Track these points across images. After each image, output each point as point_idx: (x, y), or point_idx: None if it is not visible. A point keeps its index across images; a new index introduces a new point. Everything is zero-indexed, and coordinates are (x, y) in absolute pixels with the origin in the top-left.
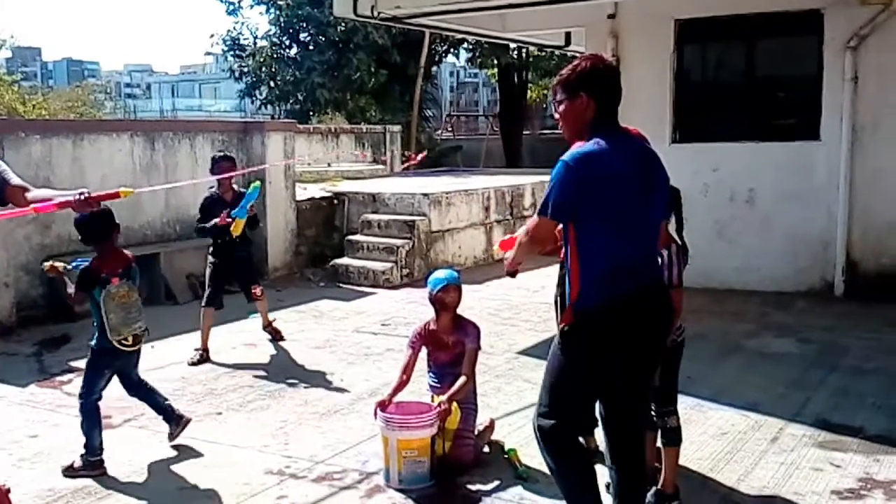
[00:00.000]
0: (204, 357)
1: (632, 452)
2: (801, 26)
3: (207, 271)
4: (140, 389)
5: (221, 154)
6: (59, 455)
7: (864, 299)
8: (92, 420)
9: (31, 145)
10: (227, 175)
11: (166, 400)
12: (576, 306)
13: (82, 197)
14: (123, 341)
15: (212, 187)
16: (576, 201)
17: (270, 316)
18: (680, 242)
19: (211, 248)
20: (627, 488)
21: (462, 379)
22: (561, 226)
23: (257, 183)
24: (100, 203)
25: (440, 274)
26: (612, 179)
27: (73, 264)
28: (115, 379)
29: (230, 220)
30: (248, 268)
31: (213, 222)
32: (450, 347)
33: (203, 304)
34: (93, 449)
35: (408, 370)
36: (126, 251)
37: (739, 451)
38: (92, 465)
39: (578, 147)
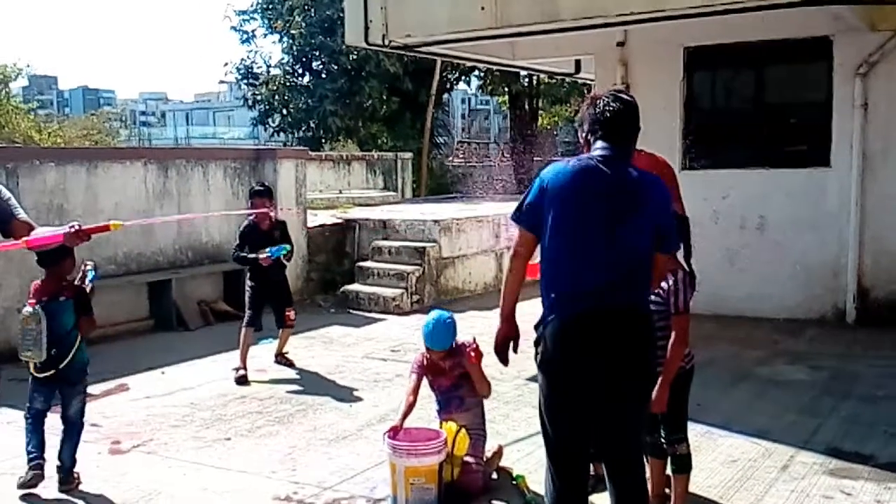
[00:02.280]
0: (244, 377)
1: (626, 480)
2: (810, 53)
3: (246, 295)
4: (66, 427)
5: (259, 188)
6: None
7: (875, 326)
8: (29, 429)
9: (46, 173)
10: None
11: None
12: (540, 324)
13: (72, 230)
14: (27, 363)
15: (251, 215)
16: (538, 208)
17: (285, 347)
18: (688, 269)
19: (248, 273)
20: None
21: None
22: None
23: (287, 247)
24: (90, 235)
25: (430, 322)
26: (573, 196)
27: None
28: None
29: (270, 259)
30: (283, 291)
31: (252, 256)
32: (448, 371)
33: (244, 324)
34: (27, 453)
35: (414, 392)
36: (76, 284)
37: (750, 479)
38: (30, 469)
39: (555, 162)
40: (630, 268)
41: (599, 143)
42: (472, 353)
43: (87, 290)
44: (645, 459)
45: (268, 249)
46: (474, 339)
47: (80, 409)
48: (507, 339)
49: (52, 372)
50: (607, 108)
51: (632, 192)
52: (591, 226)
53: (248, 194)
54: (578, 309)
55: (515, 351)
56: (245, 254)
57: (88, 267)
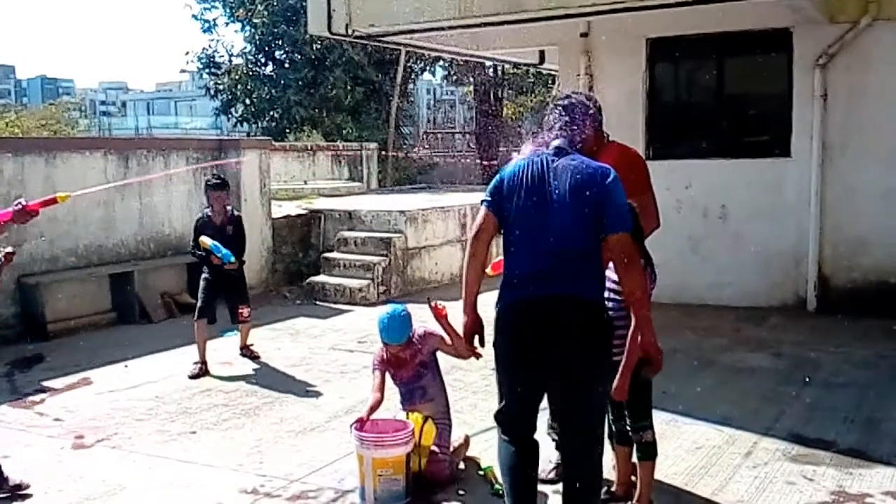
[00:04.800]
0: (203, 370)
1: (576, 464)
2: (771, 45)
3: (200, 284)
4: None
5: (215, 181)
6: (30, 475)
7: (835, 314)
8: None
9: (3, 164)
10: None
11: None
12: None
13: (19, 207)
14: None
15: (206, 207)
16: (499, 195)
17: (249, 339)
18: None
19: (204, 265)
20: (570, 498)
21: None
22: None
23: (232, 258)
24: (38, 211)
25: (384, 318)
26: (520, 188)
27: None
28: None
29: (219, 259)
30: (238, 287)
31: (204, 254)
32: (409, 361)
33: (195, 317)
34: None
35: (380, 389)
36: None
37: (714, 466)
38: None
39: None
40: (570, 255)
41: (555, 141)
42: (437, 313)
43: None
44: (611, 447)
45: (211, 243)
46: (428, 300)
47: None
48: (472, 333)
49: None
50: (554, 110)
51: (570, 180)
52: (532, 216)
53: (204, 188)
54: (519, 295)
55: (482, 344)
56: (202, 253)
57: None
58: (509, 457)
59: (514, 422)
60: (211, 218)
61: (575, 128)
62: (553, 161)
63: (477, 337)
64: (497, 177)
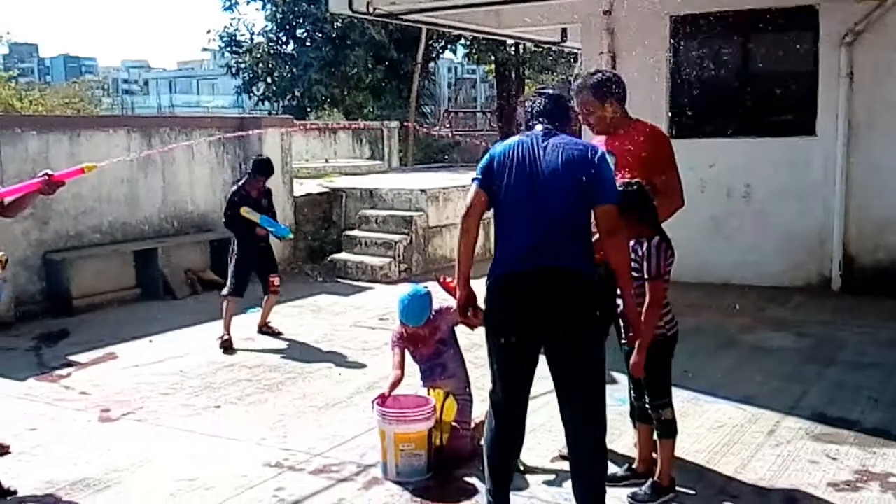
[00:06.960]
0: (229, 343)
1: (577, 439)
2: (796, 22)
3: (232, 261)
4: None
5: (260, 160)
6: (57, 448)
7: (860, 294)
8: None
9: (28, 141)
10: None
11: None
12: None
13: (46, 177)
14: None
15: (238, 181)
16: (489, 173)
17: (269, 317)
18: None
19: (236, 240)
20: (576, 476)
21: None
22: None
23: (290, 234)
24: (64, 182)
25: (405, 298)
26: (508, 166)
27: None
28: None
29: (265, 231)
30: (268, 257)
31: (252, 217)
32: (427, 338)
33: (227, 293)
34: None
35: (400, 366)
36: None
37: (736, 444)
38: None
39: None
40: (560, 230)
41: (538, 127)
42: (446, 287)
43: None
44: (632, 425)
45: (261, 217)
46: (436, 277)
47: None
48: (466, 306)
49: None
50: (535, 103)
51: (560, 157)
52: (522, 192)
53: (253, 165)
54: (509, 269)
55: (476, 315)
56: (239, 224)
57: None
58: (493, 433)
59: (503, 399)
60: (248, 192)
61: (553, 116)
62: (542, 140)
63: (471, 309)
64: (487, 155)
